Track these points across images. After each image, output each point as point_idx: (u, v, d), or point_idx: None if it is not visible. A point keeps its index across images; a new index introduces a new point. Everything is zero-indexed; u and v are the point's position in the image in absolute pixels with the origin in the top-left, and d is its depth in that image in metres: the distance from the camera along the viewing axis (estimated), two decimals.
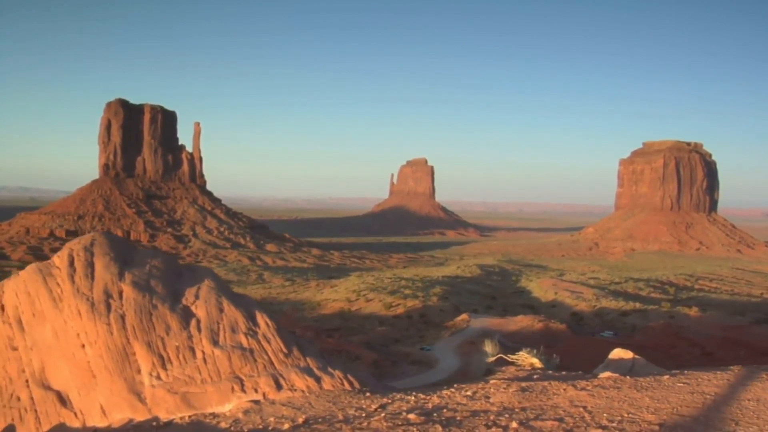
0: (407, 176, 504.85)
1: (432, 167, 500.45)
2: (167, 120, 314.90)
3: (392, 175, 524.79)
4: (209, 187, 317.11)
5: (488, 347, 13.99)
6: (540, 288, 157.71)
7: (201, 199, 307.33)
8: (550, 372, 11.99)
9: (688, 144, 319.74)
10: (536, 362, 13.01)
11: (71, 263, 12.64)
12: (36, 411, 11.21)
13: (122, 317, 11.45)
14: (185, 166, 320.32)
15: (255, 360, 10.95)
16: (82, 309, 11.68)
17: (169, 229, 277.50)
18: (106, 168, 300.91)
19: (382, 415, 8.57)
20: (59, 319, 11.87)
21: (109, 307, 11.66)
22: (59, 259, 13.10)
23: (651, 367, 12.47)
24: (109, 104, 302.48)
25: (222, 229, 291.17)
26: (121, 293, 12.03)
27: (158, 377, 10.68)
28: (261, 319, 12.02)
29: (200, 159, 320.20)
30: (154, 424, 9.67)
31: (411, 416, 8.30)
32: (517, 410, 8.37)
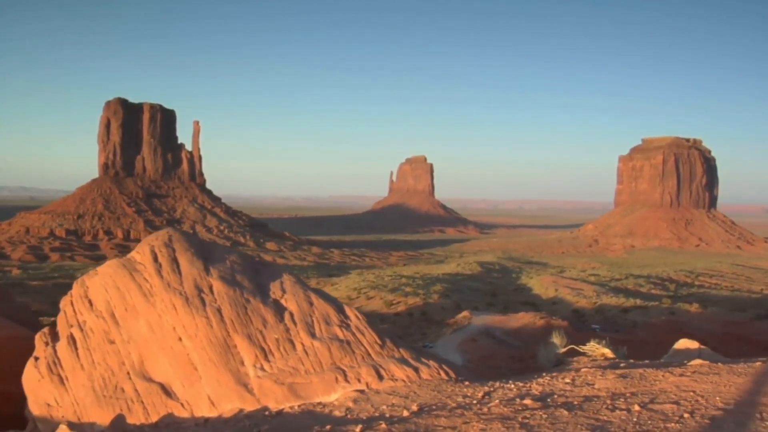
0: (407, 174, 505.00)
1: (431, 165, 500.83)
2: (166, 119, 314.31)
3: (392, 172, 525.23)
4: (209, 185, 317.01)
5: (556, 339, 14.35)
6: (540, 285, 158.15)
7: (201, 198, 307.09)
8: (631, 361, 12.38)
9: (688, 140, 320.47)
10: (608, 352, 13.37)
11: (155, 259, 12.96)
12: (143, 402, 11.53)
13: (219, 311, 11.79)
14: (185, 165, 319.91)
15: (353, 351, 11.31)
16: (177, 303, 12.02)
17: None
18: (105, 167, 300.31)
19: (496, 401, 8.92)
20: (153, 313, 12.20)
21: (203, 301, 12.01)
22: (140, 255, 13.40)
23: (717, 356, 12.86)
24: (108, 103, 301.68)
25: (222, 228, 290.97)
26: (211, 287, 12.36)
27: (262, 368, 11.03)
28: (350, 312, 12.38)
29: (200, 157, 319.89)
30: (266, 413, 9.99)
31: (527, 402, 8.65)
32: (627, 395, 8.74)
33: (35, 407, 12.74)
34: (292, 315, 12.02)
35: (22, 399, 17.89)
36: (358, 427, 7.92)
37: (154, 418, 11.11)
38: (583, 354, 13.70)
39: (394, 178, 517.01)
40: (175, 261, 12.97)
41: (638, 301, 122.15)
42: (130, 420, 11.18)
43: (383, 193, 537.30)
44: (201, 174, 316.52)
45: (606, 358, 13.05)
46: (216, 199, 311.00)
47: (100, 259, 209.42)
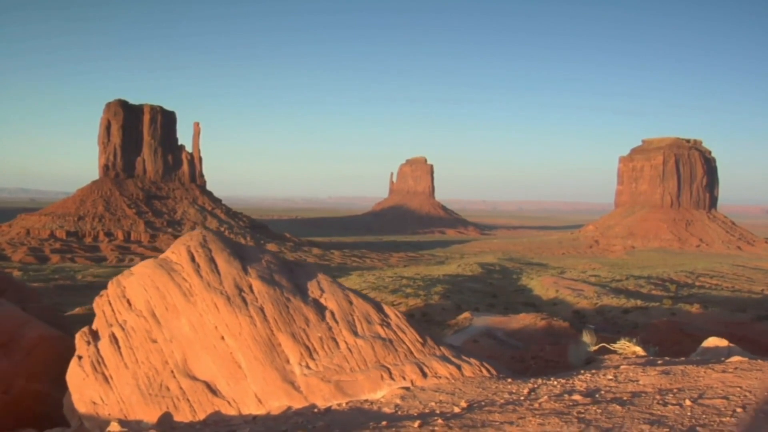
0: (407, 175, 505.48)
1: (431, 166, 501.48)
2: (167, 120, 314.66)
3: (392, 173, 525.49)
4: (209, 187, 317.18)
5: (587, 337, 14.54)
6: (541, 286, 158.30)
7: (201, 199, 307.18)
8: (666, 358, 12.57)
9: (688, 141, 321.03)
10: (639, 350, 13.57)
11: (192, 259, 13.14)
12: (188, 400, 11.70)
13: (261, 310, 11.97)
14: (185, 167, 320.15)
15: (396, 349, 11.50)
16: (218, 302, 12.21)
17: (170, 230, 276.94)
18: (105, 168, 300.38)
19: (545, 397, 9.11)
20: (194, 313, 12.38)
21: (244, 300, 12.19)
22: (176, 256, 13.58)
23: (746, 354, 13.04)
24: (108, 105, 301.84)
25: (222, 229, 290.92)
26: (250, 287, 12.54)
27: (307, 366, 11.21)
28: (390, 311, 12.57)
29: (200, 159, 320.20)
30: (315, 411, 10.16)
31: (576, 397, 8.84)
32: (674, 391, 8.94)
33: (81, 405, 12.92)
34: (333, 314, 12.21)
35: (54, 399, 18.05)
36: (416, 423, 8.09)
37: (200, 416, 11.28)
38: (614, 352, 13.89)
39: (394, 179, 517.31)
40: (212, 261, 13.15)
41: (639, 302, 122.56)
42: (177, 418, 11.36)
43: (383, 195, 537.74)
44: (201, 175, 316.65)
45: (637, 356, 13.25)
46: (216, 201, 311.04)
47: (100, 261, 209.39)
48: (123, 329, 13.17)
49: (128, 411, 12.14)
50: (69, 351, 19.73)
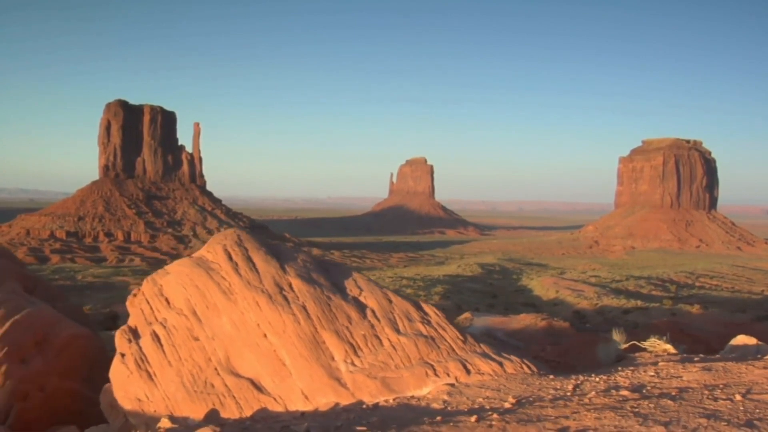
0: (406, 175, 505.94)
1: (431, 166, 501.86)
2: (167, 120, 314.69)
3: (391, 174, 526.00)
4: (209, 187, 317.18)
5: (617, 335, 14.78)
6: (541, 286, 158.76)
7: (201, 200, 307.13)
8: (701, 355, 12.80)
9: (688, 141, 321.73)
10: (670, 348, 13.79)
11: (230, 258, 13.35)
12: (234, 397, 11.90)
13: (304, 308, 12.19)
14: (185, 167, 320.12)
15: (438, 347, 11.72)
16: (260, 301, 12.42)
17: (170, 230, 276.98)
18: (105, 169, 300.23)
19: (592, 393, 9.32)
20: (235, 311, 12.59)
21: (286, 298, 12.40)
22: (212, 255, 13.79)
23: None
24: (108, 105, 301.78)
25: (222, 230, 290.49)
26: (290, 285, 12.76)
27: (353, 363, 11.43)
28: (428, 308, 12.80)
29: (200, 159, 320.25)
30: (364, 407, 10.35)
31: (624, 393, 9.05)
32: (721, 386, 9.15)
33: (126, 402, 13.11)
34: (373, 312, 12.43)
35: (84, 396, 18.26)
36: (473, 417, 8.29)
37: (247, 413, 11.48)
38: (643, 350, 14.11)
39: (394, 180, 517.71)
40: (249, 260, 13.37)
41: (639, 302, 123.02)
42: (224, 414, 11.54)
43: (383, 195, 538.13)
44: (201, 176, 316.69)
45: (668, 353, 13.48)
46: (216, 201, 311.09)
47: (100, 261, 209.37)
48: (164, 327, 13.37)
49: (174, 408, 12.33)
50: (97, 349, 19.97)
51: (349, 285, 13.31)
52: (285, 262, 13.50)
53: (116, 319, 44.77)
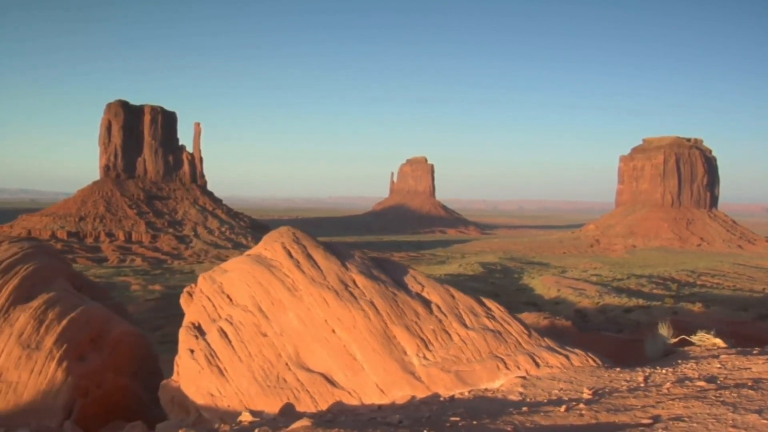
0: (407, 175, 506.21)
1: (432, 165, 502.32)
2: (167, 120, 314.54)
3: (392, 173, 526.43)
4: (210, 187, 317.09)
5: (663, 330, 15.10)
6: (542, 285, 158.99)
7: (202, 200, 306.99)
8: (759, 348, 13.14)
9: (688, 140, 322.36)
10: (719, 342, 14.13)
11: (289, 255, 13.63)
12: (308, 391, 12.19)
13: (372, 303, 12.49)
14: (186, 167, 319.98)
15: (506, 340, 12.03)
16: (327, 297, 12.72)
17: (171, 230, 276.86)
18: (106, 169, 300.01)
19: (668, 384, 9.65)
20: (301, 307, 12.89)
21: (353, 294, 12.70)
22: (270, 252, 14.06)
23: None
24: (109, 105, 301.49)
25: (223, 230, 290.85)
26: (354, 281, 13.06)
27: (425, 357, 11.74)
28: (491, 304, 13.11)
29: (201, 159, 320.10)
30: (441, 399, 10.64)
31: (701, 383, 9.38)
32: None
33: (198, 397, 13.38)
34: (439, 307, 12.75)
35: (134, 392, 18.54)
36: (562, 407, 8.60)
37: (322, 406, 11.77)
38: (692, 344, 14.45)
39: (395, 179, 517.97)
40: (310, 257, 13.66)
41: (641, 301, 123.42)
42: (299, 408, 11.83)
43: (383, 194, 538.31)
44: (202, 176, 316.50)
45: (718, 347, 13.81)
46: (217, 201, 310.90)
47: (102, 261, 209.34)
48: (231, 324, 13.66)
49: (248, 402, 12.62)
50: (144, 346, 20.27)
51: (409, 281, 13.61)
52: (344, 259, 13.80)
53: None
